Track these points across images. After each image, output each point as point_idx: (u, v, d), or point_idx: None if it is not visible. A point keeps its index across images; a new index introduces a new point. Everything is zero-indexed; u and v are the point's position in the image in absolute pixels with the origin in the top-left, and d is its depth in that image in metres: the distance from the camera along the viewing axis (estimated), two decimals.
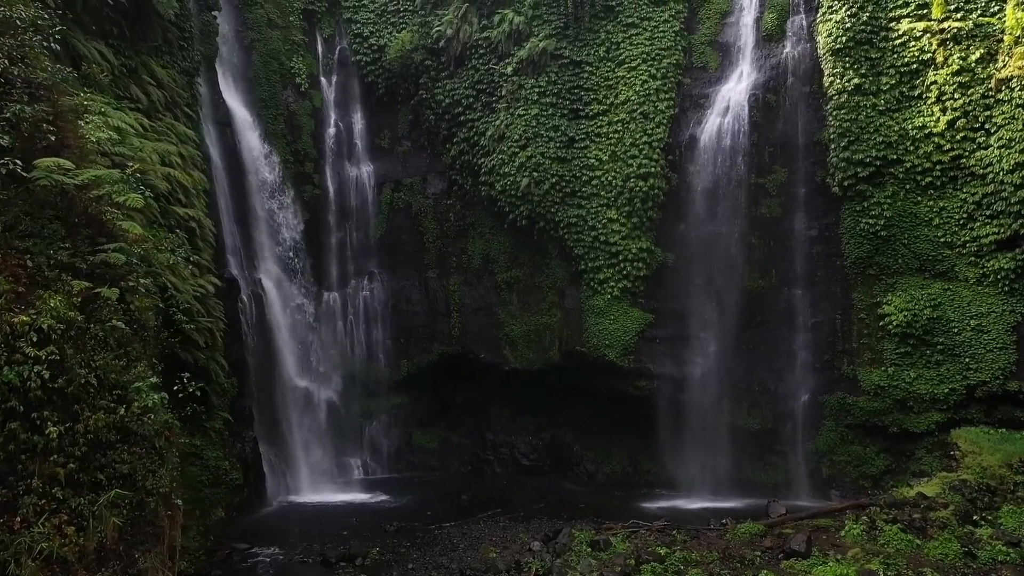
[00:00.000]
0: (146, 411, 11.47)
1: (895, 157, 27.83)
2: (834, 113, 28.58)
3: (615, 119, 31.72)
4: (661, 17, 32.07)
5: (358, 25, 36.05)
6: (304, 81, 34.92)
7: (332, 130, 35.99)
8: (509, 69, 33.04)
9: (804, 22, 30.09)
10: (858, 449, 28.60)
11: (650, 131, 31.10)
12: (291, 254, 32.83)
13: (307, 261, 33.76)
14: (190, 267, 22.18)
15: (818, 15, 29.45)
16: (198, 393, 14.33)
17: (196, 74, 27.74)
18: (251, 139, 31.79)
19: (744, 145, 30.15)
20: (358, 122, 36.47)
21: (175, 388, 14.01)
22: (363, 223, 35.84)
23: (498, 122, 33.07)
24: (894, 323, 27.51)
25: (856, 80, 28.23)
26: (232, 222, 29.55)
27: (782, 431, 30.13)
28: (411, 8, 35.72)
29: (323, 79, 36.20)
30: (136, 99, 22.54)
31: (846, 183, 28.40)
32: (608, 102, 32.02)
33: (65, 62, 19.51)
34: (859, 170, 28.14)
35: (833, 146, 28.61)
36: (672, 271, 31.26)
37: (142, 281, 12.43)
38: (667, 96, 31.40)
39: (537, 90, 32.52)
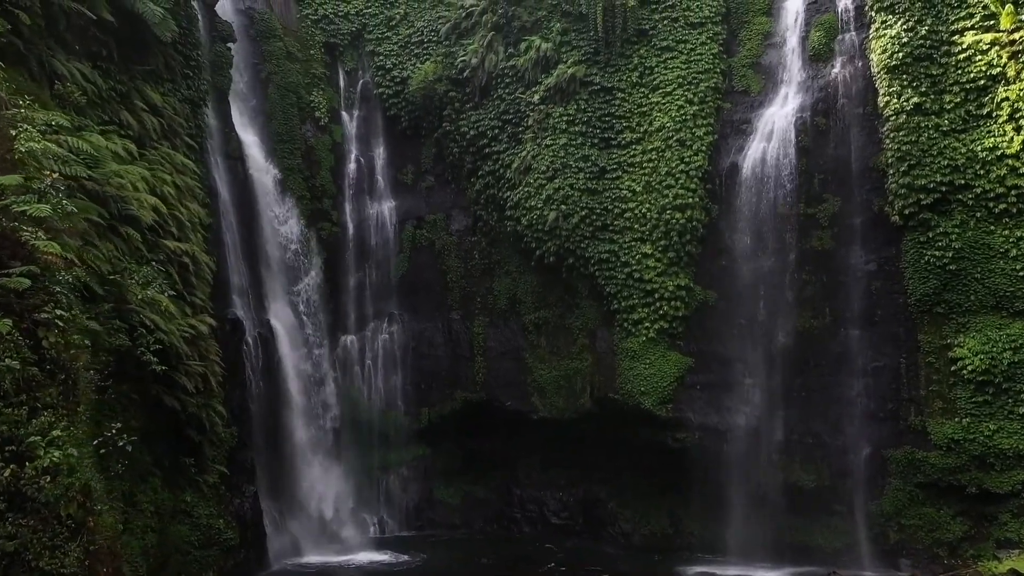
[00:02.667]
0: (46, 471, 9.27)
1: (963, 182, 25.00)
2: (892, 135, 25.97)
3: (649, 147, 29.52)
4: (698, 39, 30.01)
5: (381, 57, 34.71)
6: (324, 115, 33.52)
7: (352, 165, 34.42)
8: (536, 97, 31.22)
9: (855, 39, 27.74)
10: (930, 511, 25.21)
11: (687, 159, 28.79)
12: (305, 295, 30.98)
13: (322, 302, 31.86)
14: (176, 304, 20.38)
15: (871, 31, 27.05)
16: (128, 448, 12.15)
17: (202, 104, 26.36)
18: (264, 174, 30.30)
19: (791, 172, 27.62)
20: (380, 157, 34.88)
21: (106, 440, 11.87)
22: (383, 262, 33.96)
23: (524, 153, 31.14)
24: (968, 368, 24.36)
25: (916, 99, 25.64)
26: (240, 260, 27.86)
27: (841, 489, 26.96)
28: (435, 39, 34.32)
29: (344, 113, 34.81)
30: (126, 125, 21.02)
31: (907, 211, 25.61)
32: (641, 130, 29.88)
33: (41, 81, 18.10)
34: (922, 197, 25.35)
35: (892, 171, 25.92)
36: (713, 310, 28.68)
37: (60, 312, 10.37)
38: (705, 122, 29.14)
39: (565, 119, 30.56)
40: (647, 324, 28.72)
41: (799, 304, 27.49)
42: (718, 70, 29.66)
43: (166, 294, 17.69)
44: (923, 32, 25.77)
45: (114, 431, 11.68)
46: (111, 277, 15.87)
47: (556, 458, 32.18)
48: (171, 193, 21.64)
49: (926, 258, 25.35)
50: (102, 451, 11.61)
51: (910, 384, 25.86)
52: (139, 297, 16.47)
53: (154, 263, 18.34)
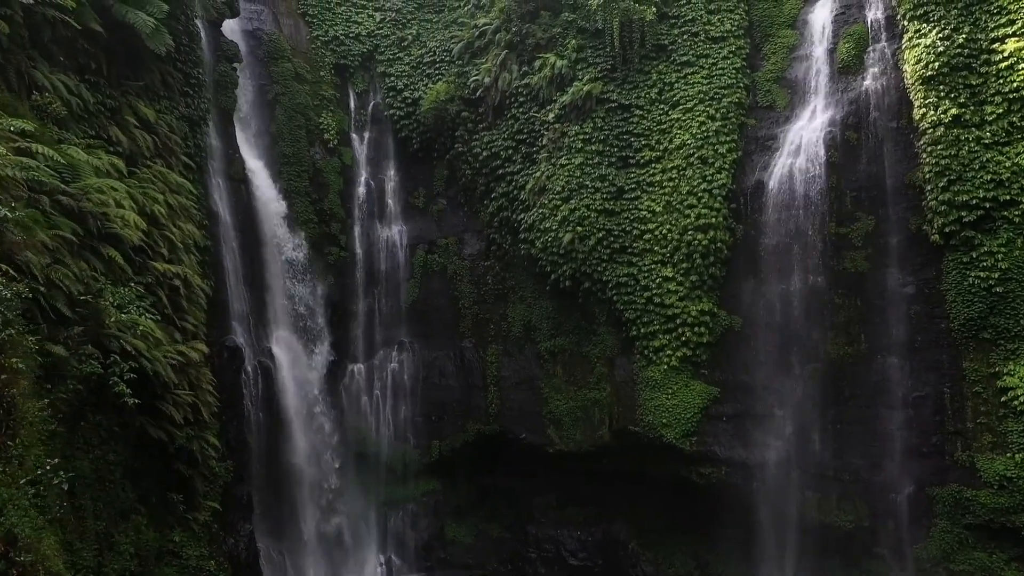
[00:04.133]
0: None
1: (1008, 198, 23.31)
2: (929, 149, 24.36)
3: (669, 166, 28.14)
4: (720, 54, 28.77)
5: (392, 78, 33.78)
6: (333, 137, 32.51)
7: (362, 188, 33.32)
8: (551, 116, 30.04)
9: (887, 50, 26.29)
10: (981, 556, 23.18)
11: (710, 177, 27.36)
12: (310, 322, 29.69)
13: (329, 329, 30.53)
14: (164, 330, 19.17)
15: (903, 41, 25.61)
16: (65, 487, 10.75)
17: (203, 123, 25.42)
18: (269, 197, 29.24)
19: (821, 189, 26.10)
20: (391, 179, 33.77)
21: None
22: (393, 288, 32.68)
23: (539, 174, 29.88)
24: (1020, 399, 22.52)
25: (954, 111, 24.06)
26: (241, 285, 26.70)
27: (881, 530, 25.07)
28: (448, 59, 33.41)
29: (354, 135, 33.81)
30: (115, 141, 20.01)
31: (948, 230, 23.90)
32: (661, 147, 28.55)
33: (20, 93, 17.14)
34: (964, 214, 23.64)
35: (930, 187, 24.27)
36: (740, 337, 27.09)
37: None
38: (728, 138, 27.74)
39: (582, 137, 29.31)
40: (669, 352, 27.14)
41: (832, 330, 25.81)
42: (741, 85, 28.35)
43: (145, 316, 16.36)
44: (960, 40, 24.27)
45: (48, 468, 10.26)
46: (82, 298, 14.63)
47: (574, 494, 30.59)
48: (162, 212, 20.54)
49: (970, 280, 23.58)
50: (34, 492, 10.22)
51: (955, 416, 23.93)
52: (113, 320, 15.20)
53: (133, 284, 17.05)
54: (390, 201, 33.58)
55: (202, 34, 26.66)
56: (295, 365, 28.40)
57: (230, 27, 29.95)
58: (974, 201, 23.51)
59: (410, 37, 34.20)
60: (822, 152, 26.26)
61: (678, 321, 27.08)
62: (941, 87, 24.40)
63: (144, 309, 16.31)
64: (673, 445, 26.80)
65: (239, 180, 28.27)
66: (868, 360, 25.40)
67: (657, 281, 27.42)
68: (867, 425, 25.20)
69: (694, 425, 26.74)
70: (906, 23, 25.53)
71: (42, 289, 13.31)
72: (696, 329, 26.94)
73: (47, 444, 13.10)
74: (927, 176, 24.39)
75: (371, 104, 34.20)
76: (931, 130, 24.41)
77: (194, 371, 20.69)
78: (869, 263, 25.61)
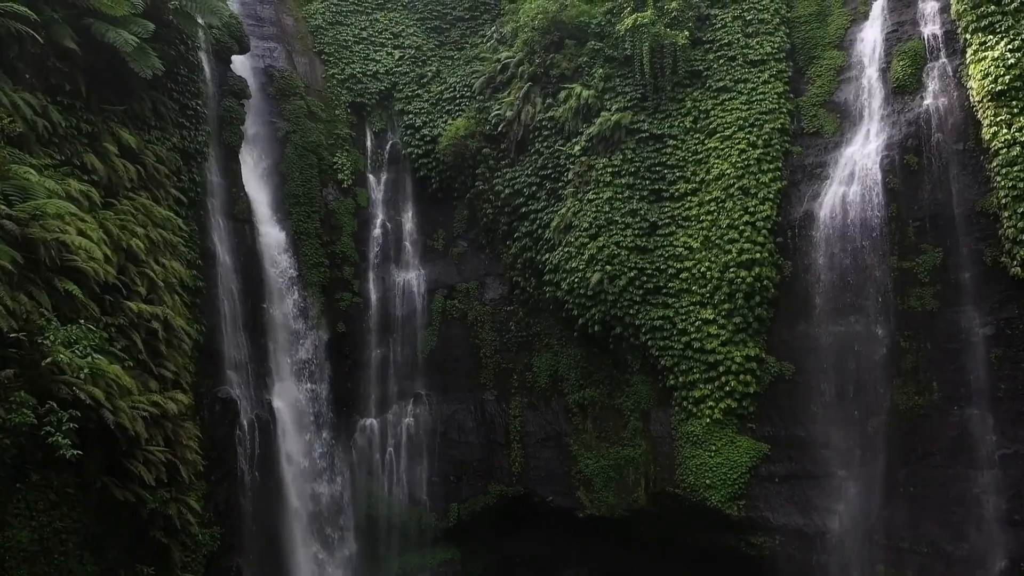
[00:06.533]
0: None
1: None
2: (1003, 172, 21.67)
3: (707, 198, 25.75)
4: (760, 78, 26.68)
5: (410, 116, 32.07)
6: (348, 177, 30.71)
7: (378, 231, 31.30)
8: (577, 149, 27.97)
9: (948, 67, 23.89)
10: None
11: (752, 209, 24.88)
12: (317, 373, 27.39)
13: (338, 381, 28.16)
14: (136, 377, 16.99)
15: (966, 56, 23.16)
16: None
17: (200, 157, 23.79)
18: (274, 238, 27.41)
19: (880, 219, 23.41)
20: (408, 221, 31.75)
21: None
22: (410, 336, 30.30)
23: (564, 210, 27.63)
24: None
25: None
26: (239, 331, 24.63)
27: None
28: (468, 94, 31.70)
29: (371, 176, 31.98)
30: (91, 169, 18.21)
31: None
32: (698, 179, 26.24)
33: None
34: None
35: (1007, 214, 21.46)
36: (791, 386, 24.22)
37: None
38: (771, 167, 25.38)
39: (610, 170, 27.12)
40: (711, 403, 24.35)
41: (899, 377, 22.77)
42: (784, 110, 26.14)
43: (92, 357, 14.08)
44: None
45: None
46: (13, 336, 12.47)
47: (608, 565, 27.60)
48: (141, 247, 18.60)
49: None
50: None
51: None
52: (51, 362, 12.97)
53: (83, 322, 14.81)
54: (407, 244, 31.50)
55: (205, 66, 25.30)
56: (298, 420, 26.06)
57: (241, 63, 28.68)
58: None
59: (430, 74, 32.66)
60: (879, 178, 23.64)
61: (721, 369, 24.28)
62: (1014, 103, 21.83)
63: (93, 349, 14.06)
64: (718, 510, 23.76)
65: (243, 220, 26.52)
66: (943, 412, 22.20)
67: (696, 324, 24.71)
68: (946, 488, 21.86)
69: (742, 487, 23.73)
70: (968, 36, 23.11)
71: None
72: (741, 377, 24.10)
73: None
74: (1003, 202, 21.55)
75: (389, 143, 32.47)
76: (1004, 150, 21.70)
77: (172, 425, 18.44)
78: (938, 301, 22.63)
